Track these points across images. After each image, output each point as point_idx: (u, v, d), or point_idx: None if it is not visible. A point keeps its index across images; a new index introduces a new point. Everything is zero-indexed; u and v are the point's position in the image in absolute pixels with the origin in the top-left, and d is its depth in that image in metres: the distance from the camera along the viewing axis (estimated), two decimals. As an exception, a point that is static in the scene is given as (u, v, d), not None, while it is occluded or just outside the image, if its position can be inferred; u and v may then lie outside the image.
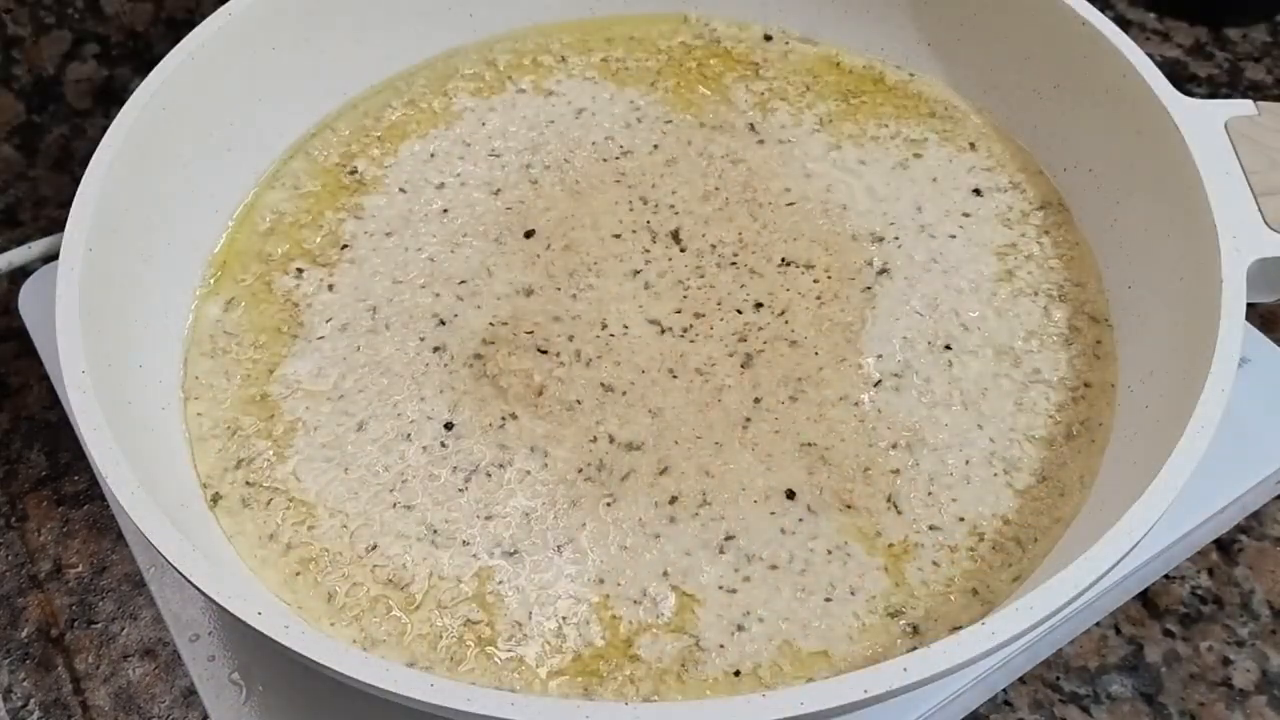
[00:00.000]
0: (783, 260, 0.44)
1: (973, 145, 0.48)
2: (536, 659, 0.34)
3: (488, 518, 0.37)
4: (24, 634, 0.41)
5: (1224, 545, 0.42)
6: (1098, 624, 0.40)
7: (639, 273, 0.43)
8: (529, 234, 0.45)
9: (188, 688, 0.39)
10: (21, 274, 0.49)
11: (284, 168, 0.47)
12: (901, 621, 0.35)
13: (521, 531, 0.36)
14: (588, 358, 0.41)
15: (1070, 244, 0.44)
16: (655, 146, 0.48)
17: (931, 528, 0.37)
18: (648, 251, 0.44)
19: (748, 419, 0.39)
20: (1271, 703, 0.39)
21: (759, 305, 0.42)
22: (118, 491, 0.31)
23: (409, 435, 0.39)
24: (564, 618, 0.35)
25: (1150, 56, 0.42)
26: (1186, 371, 0.35)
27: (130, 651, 0.40)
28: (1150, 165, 0.41)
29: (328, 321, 0.42)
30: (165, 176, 0.42)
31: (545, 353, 0.41)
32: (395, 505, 0.37)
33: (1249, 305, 0.35)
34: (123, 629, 0.41)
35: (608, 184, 0.47)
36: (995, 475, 0.38)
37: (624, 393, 0.40)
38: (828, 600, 0.35)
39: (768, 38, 0.53)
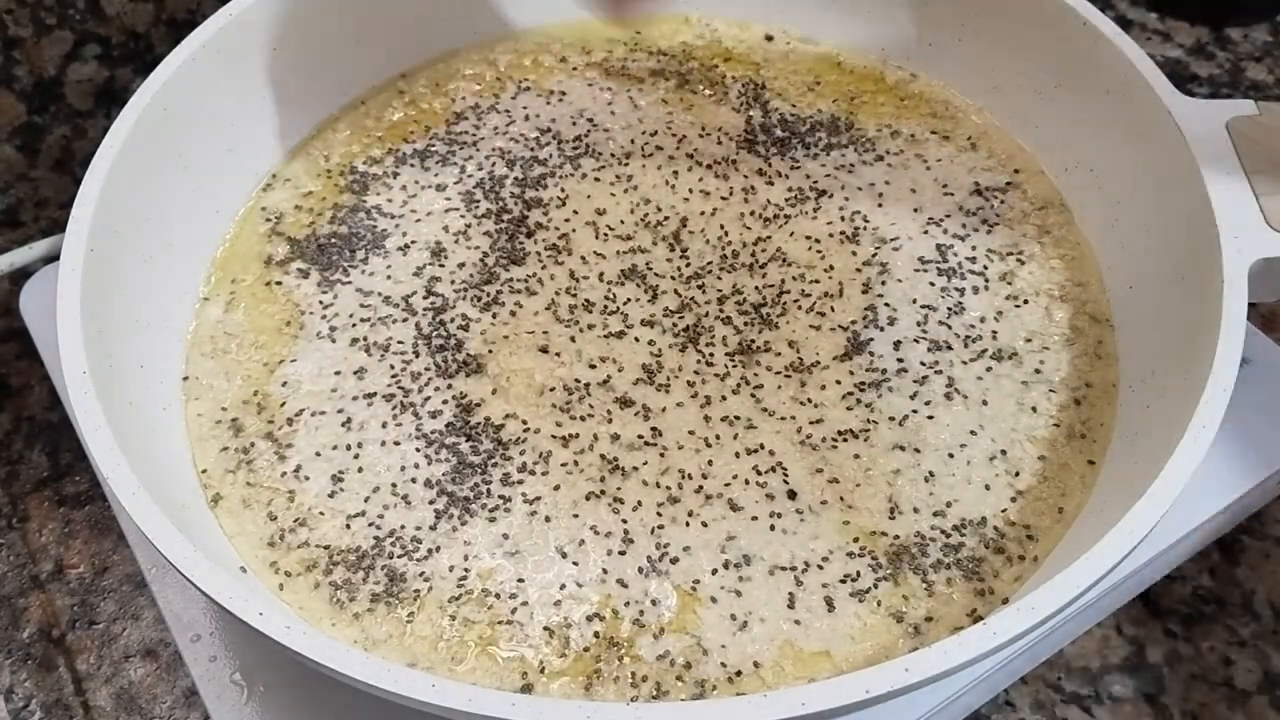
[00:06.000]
0: (783, 260, 0.44)
1: (974, 145, 0.48)
2: (538, 659, 0.34)
3: (490, 519, 0.37)
4: (25, 635, 0.41)
5: (1226, 545, 0.42)
6: (1099, 624, 0.40)
7: (640, 273, 0.43)
8: (530, 234, 0.45)
9: (189, 688, 0.39)
10: (23, 275, 0.49)
11: (285, 168, 0.47)
12: (903, 621, 0.35)
13: (523, 532, 0.36)
14: (589, 358, 0.41)
15: (1071, 244, 0.44)
16: (657, 147, 0.48)
17: (932, 528, 0.37)
18: (648, 252, 0.44)
19: (749, 419, 0.39)
20: (1273, 703, 0.39)
21: (759, 305, 0.42)
22: (119, 492, 0.31)
23: (409, 435, 0.39)
24: (565, 617, 0.35)
25: (1151, 56, 0.42)
26: (1188, 372, 0.35)
27: (132, 652, 0.40)
28: (1151, 165, 0.41)
29: (328, 321, 0.42)
30: (166, 177, 0.42)
31: (546, 352, 0.41)
32: (396, 505, 0.37)
33: (1250, 305, 0.35)
34: (124, 629, 0.41)
35: (608, 184, 0.47)
36: (996, 475, 0.38)
37: (625, 393, 0.40)
38: (829, 600, 0.35)
39: (769, 38, 0.53)
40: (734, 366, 0.41)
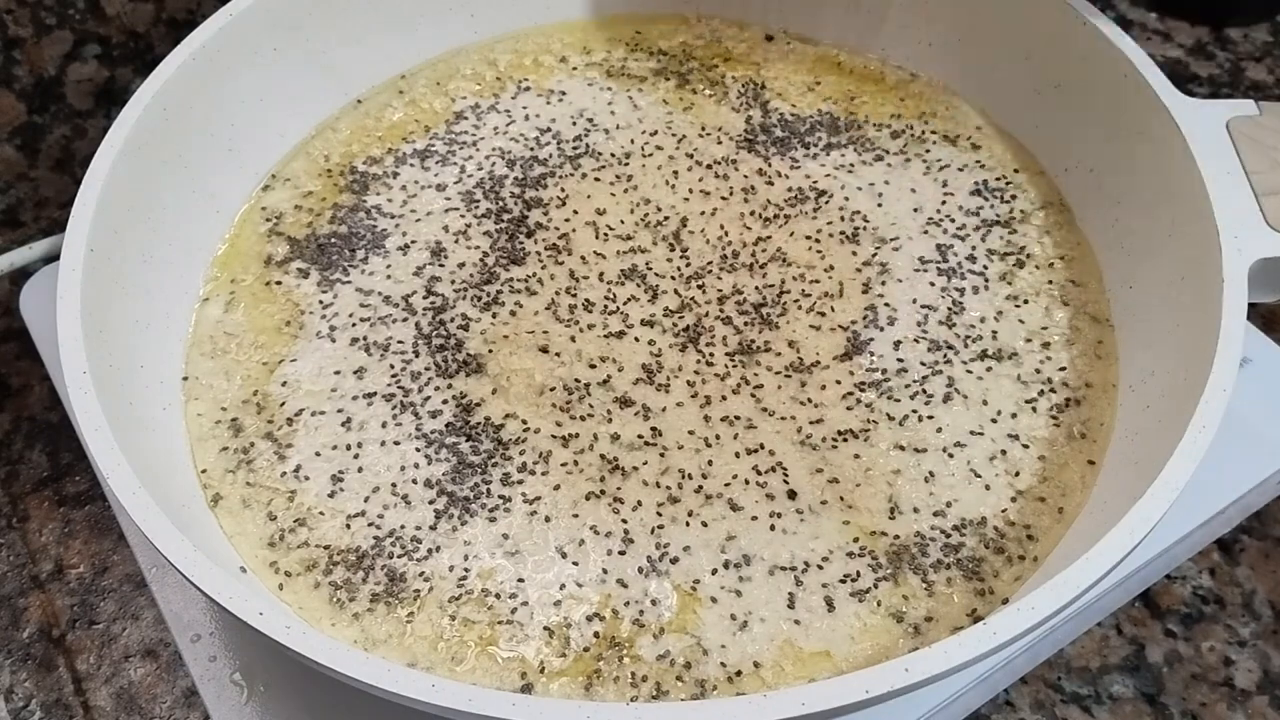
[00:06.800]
0: (783, 260, 0.44)
1: (974, 145, 0.48)
2: (538, 659, 0.34)
3: (490, 519, 0.37)
4: (25, 634, 0.41)
5: (1226, 545, 0.42)
6: (1099, 624, 0.40)
7: (640, 273, 0.43)
8: (530, 234, 0.45)
9: (189, 688, 0.39)
10: (23, 275, 0.49)
11: (285, 168, 0.47)
12: (903, 621, 0.35)
13: (523, 532, 0.36)
14: (589, 358, 0.41)
15: (1071, 244, 0.44)
16: (657, 147, 0.48)
17: (932, 528, 0.37)
18: (648, 252, 0.44)
19: (749, 419, 0.39)
20: (1273, 703, 0.39)
21: (759, 305, 0.42)
22: (119, 492, 0.31)
23: (409, 435, 0.39)
24: (565, 617, 0.35)
25: (1151, 56, 0.42)
26: (1188, 371, 0.35)
27: (131, 652, 0.40)
28: (1152, 165, 0.41)
29: (328, 321, 0.42)
30: (166, 177, 0.42)
31: (546, 352, 0.41)
32: (396, 505, 0.37)
33: (1250, 305, 0.35)
34: (124, 629, 0.41)
35: (608, 184, 0.47)
36: (996, 475, 0.38)
37: (625, 393, 0.40)
38: (829, 600, 0.35)
39: (769, 38, 0.53)
40: (734, 366, 0.41)
